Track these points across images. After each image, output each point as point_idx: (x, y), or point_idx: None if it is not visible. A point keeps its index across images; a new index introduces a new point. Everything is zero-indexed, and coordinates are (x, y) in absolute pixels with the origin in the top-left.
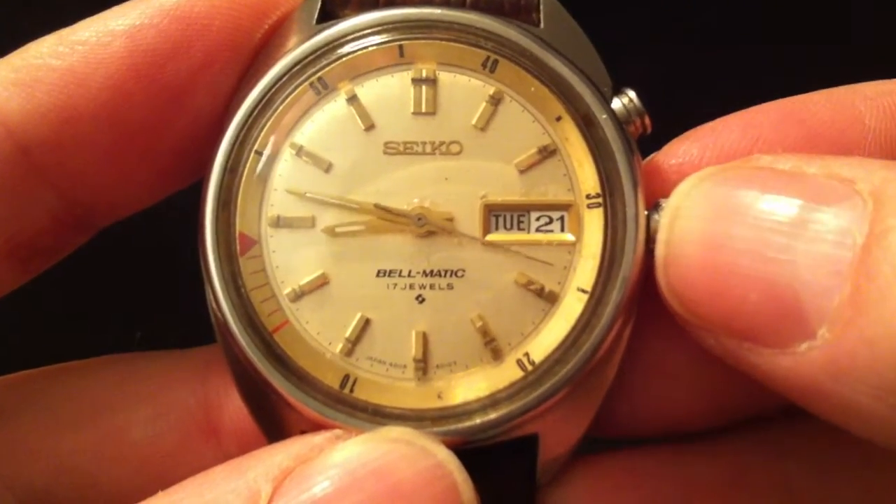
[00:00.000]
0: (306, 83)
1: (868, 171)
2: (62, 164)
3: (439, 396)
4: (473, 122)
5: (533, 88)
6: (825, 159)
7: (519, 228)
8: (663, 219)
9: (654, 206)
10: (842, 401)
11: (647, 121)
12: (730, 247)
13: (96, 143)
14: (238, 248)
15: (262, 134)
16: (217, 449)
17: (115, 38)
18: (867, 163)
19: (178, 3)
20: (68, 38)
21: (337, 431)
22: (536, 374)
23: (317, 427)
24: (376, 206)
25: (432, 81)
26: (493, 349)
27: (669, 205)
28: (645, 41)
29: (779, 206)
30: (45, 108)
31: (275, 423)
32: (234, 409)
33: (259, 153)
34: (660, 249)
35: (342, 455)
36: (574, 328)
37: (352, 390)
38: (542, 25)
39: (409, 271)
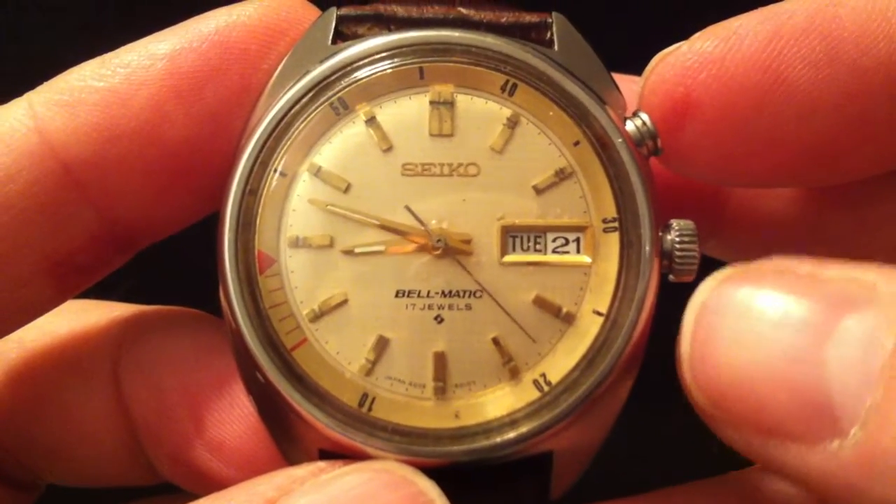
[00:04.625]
0: (326, 104)
1: (889, 277)
2: (103, 182)
3: (456, 416)
4: (490, 144)
5: (551, 112)
6: (843, 264)
7: (535, 250)
8: (688, 314)
9: (665, 227)
10: (875, 498)
11: (659, 143)
12: (757, 347)
13: (136, 162)
14: (257, 266)
15: (282, 154)
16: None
17: (157, 60)
18: (886, 269)
19: (217, 28)
20: (111, 61)
21: (320, 464)
22: (553, 395)
23: (335, 446)
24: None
25: (450, 104)
26: (511, 369)
27: (695, 301)
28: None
29: (804, 310)
30: (87, 126)
31: (293, 442)
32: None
33: (279, 173)
34: (685, 346)
35: (325, 485)
36: (590, 350)
37: (370, 409)
38: (556, 48)
39: (428, 292)
